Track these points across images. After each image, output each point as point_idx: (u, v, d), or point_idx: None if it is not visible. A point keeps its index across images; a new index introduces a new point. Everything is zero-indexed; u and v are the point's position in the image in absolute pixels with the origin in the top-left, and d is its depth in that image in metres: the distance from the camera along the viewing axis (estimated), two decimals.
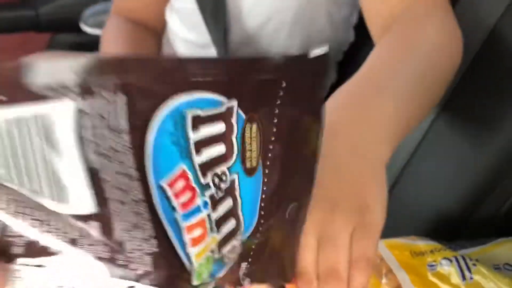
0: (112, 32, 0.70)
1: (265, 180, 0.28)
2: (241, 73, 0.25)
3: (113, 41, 0.68)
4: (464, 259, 0.43)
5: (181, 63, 0.23)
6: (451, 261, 0.43)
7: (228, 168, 0.26)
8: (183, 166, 0.24)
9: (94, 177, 0.22)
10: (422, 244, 0.45)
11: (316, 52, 0.26)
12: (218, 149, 0.25)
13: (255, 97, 0.26)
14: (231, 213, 0.27)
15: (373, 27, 0.47)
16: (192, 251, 0.25)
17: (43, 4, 1.11)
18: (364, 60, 0.40)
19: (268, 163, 0.28)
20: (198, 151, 0.24)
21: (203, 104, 0.24)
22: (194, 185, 0.25)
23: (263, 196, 0.28)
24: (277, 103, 0.27)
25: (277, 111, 0.27)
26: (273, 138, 0.27)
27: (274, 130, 0.27)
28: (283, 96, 0.26)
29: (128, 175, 0.22)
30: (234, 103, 0.25)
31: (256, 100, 0.26)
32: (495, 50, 0.46)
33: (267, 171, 0.28)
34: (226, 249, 0.27)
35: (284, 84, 0.26)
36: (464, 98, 0.48)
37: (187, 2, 0.63)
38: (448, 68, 0.42)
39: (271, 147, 0.28)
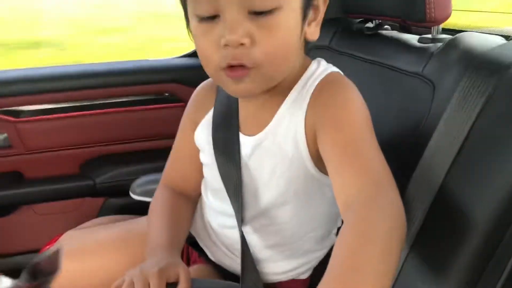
0: (158, 201, 0.87)
1: None
2: None
3: (159, 209, 0.85)
4: None
5: None
6: None
7: None
8: None
9: None
10: None
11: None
12: None
13: None
14: None
15: (338, 201, 0.61)
16: None
17: (99, 175, 1.35)
18: None
19: None
20: None
21: None
22: None
23: None
24: None
25: None
26: None
27: None
28: None
29: None
30: None
31: None
32: (445, 199, 0.61)
33: None
34: None
35: None
36: (427, 238, 0.62)
37: (215, 183, 0.80)
38: (397, 248, 0.53)
39: None
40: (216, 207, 0.83)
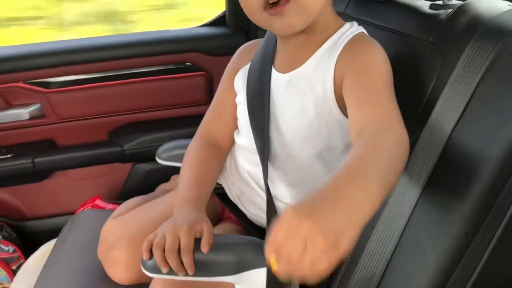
0: (192, 151, 0.94)
1: None
2: None
3: (191, 161, 0.92)
4: None
5: None
6: None
7: None
8: None
9: None
10: None
11: None
12: None
13: None
14: None
15: (352, 131, 0.69)
16: None
17: (127, 142, 1.43)
18: None
19: None
20: None
21: None
22: None
23: None
24: None
25: None
26: None
27: None
28: None
29: None
30: None
31: None
32: (453, 150, 0.66)
33: None
34: None
35: None
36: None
37: (245, 120, 0.87)
38: (399, 166, 0.60)
39: None
40: (245, 145, 0.90)
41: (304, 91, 0.81)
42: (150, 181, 1.44)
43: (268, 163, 0.85)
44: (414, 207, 0.68)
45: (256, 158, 0.86)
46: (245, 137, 0.90)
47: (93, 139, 1.43)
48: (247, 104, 0.87)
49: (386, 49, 0.90)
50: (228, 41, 1.43)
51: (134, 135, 1.43)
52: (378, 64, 0.75)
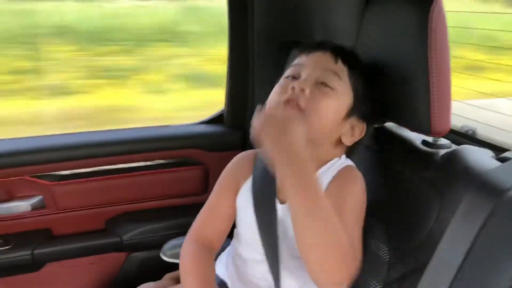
0: (190, 259, 1.00)
1: None
2: None
3: (191, 269, 0.99)
4: None
5: None
6: None
7: None
8: None
9: None
10: None
11: None
12: None
13: None
14: None
15: None
16: None
17: (124, 232, 1.46)
18: None
19: None
20: None
21: None
22: None
23: None
24: None
25: None
26: None
27: None
28: None
29: None
30: None
31: None
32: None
33: None
34: None
35: None
36: None
37: (251, 237, 0.97)
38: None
39: None
40: (248, 256, 1.00)
41: None
42: (145, 269, 1.48)
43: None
44: None
45: (261, 268, 0.95)
46: (250, 249, 0.99)
47: (89, 227, 1.45)
48: (257, 222, 0.96)
49: (382, 178, 1.03)
50: (224, 138, 1.53)
51: (132, 225, 1.46)
52: (352, 195, 0.92)
